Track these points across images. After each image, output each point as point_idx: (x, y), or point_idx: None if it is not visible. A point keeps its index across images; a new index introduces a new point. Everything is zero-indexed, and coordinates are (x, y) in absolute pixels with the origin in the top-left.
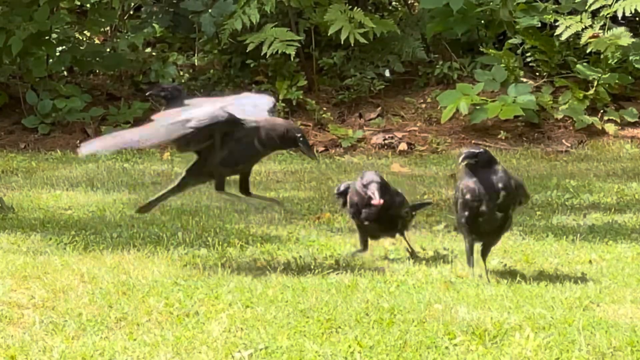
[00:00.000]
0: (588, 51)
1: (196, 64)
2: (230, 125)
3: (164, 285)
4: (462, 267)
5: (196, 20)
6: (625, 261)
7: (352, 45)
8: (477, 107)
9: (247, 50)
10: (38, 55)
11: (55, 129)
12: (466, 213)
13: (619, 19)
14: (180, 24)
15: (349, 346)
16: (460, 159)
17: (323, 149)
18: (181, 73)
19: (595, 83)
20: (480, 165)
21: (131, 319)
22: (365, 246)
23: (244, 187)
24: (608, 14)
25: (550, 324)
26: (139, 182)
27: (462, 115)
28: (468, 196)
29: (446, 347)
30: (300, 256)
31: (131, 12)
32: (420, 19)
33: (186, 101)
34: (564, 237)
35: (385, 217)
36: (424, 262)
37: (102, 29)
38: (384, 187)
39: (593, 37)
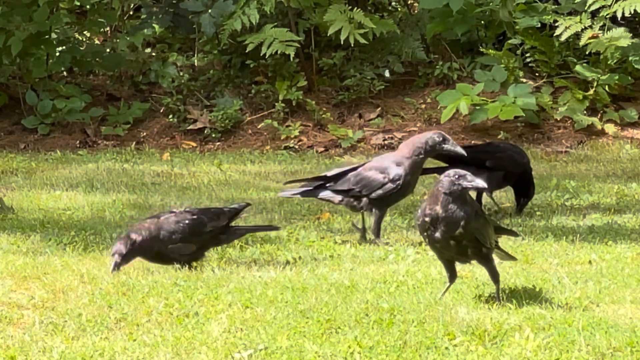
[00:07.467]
0: (588, 52)
1: (196, 64)
2: None
3: (164, 286)
4: (461, 267)
5: (196, 20)
6: (625, 261)
7: (352, 45)
8: (477, 108)
9: (246, 51)
10: (38, 56)
11: (55, 129)
12: None
13: (619, 19)
14: (180, 24)
15: (349, 347)
16: None
17: (323, 149)
18: (181, 73)
19: (595, 83)
20: None
21: (131, 319)
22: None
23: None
24: (608, 14)
25: (550, 325)
26: (139, 182)
27: (462, 116)
28: None
29: (446, 348)
30: (300, 256)
31: (131, 13)
32: (420, 19)
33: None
34: (564, 237)
35: None
36: (423, 262)
37: (102, 30)
38: None
39: (593, 37)
